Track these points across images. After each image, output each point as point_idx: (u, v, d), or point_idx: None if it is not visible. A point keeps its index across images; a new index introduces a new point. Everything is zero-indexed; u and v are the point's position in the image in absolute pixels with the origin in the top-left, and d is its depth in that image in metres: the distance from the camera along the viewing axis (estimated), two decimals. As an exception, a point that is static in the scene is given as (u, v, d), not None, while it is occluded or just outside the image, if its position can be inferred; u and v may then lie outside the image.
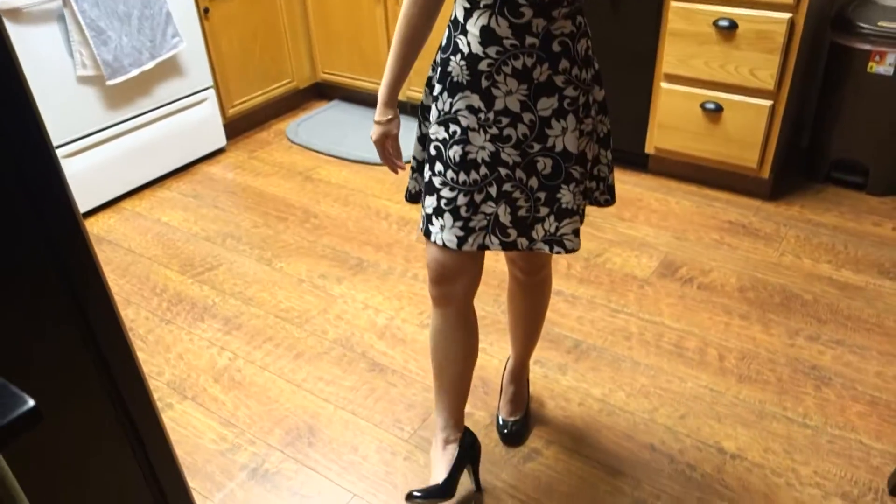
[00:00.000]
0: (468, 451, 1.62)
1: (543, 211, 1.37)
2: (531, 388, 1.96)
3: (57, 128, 2.67)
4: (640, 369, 2.01)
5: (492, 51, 1.26)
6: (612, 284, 2.35)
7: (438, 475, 1.58)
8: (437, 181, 1.37)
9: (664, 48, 2.65)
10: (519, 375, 1.84)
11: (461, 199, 1.36)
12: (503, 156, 1.33)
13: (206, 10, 3.06)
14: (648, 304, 2.25)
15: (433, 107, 1.37)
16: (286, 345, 2.17)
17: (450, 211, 1.37)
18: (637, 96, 2.80)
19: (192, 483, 1.74)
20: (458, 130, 1.33)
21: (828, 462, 1.72)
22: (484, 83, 1.29)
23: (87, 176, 2.82)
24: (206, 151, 3.25)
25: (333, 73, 3.62)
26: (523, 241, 1.40)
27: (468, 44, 1.28)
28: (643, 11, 2.64)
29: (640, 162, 3.00)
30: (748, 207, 2.73)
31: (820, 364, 2.00)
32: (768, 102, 2.53)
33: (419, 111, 1.45)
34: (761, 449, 1.76)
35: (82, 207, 2.84)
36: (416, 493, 1.55)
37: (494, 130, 1.31)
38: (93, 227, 2.81)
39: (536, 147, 1.32)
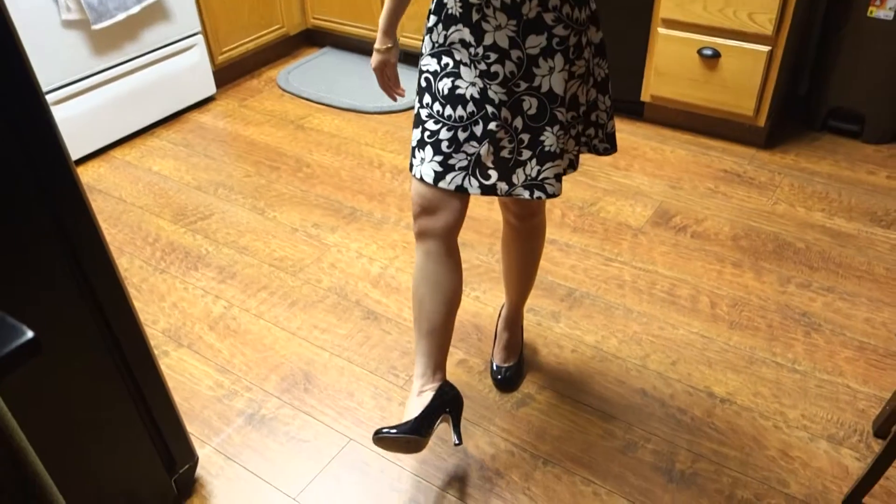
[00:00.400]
0: (446, 401, 1.50)
1: (526, 154, 1.36)
2: (525, 335, 1.97)
3: (42, 74, 2.61)
4: (633, 316, 2.03)
5: None
6: (606, 233, 2.35)
7: (409, 416, 1.48)
8: (423, 113, 1.38)
9: (662, -8, 2.59)
10: (513, 322, 1.85)
11: (444, 134, 1.35)
12: (490, 93, 1.32)
13: (193, -48, 2.97)
14: (642, 253, 2.26)
15: (427, 38, 1.37)
16: (281, 293, 2.17)
17: (431, 144, 1.36)
18: (634, 42, 2.76)
19: (190, 428, 1.77)
20: (451, 63, 1.33)
21: (815, 406, 1.75)
22: (475, 16, 1.28)
23: (74, 124, 2.77)
24: (196, 100, 3.20)
25: (324, 18, 3.54)
26: (503, 186, 1.38)
27: None
28: (641, -46, 2.58)
29: (635, 110, 2.97)
30: (743, 156, 2.72)
31: (810, 311, 2.02)
32: (766, 48, 2.50)
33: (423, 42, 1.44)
34: (750, 393, 1.79)
35: (71, 156, 2.81)
36: (383, 430, 1.42)
37: (483, 66, 1.30)
38: (82, 176, 2.78)
39: (523, 86, 1.31)
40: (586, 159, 2.73)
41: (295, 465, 1.67)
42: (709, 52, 2.58)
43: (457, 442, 1.49)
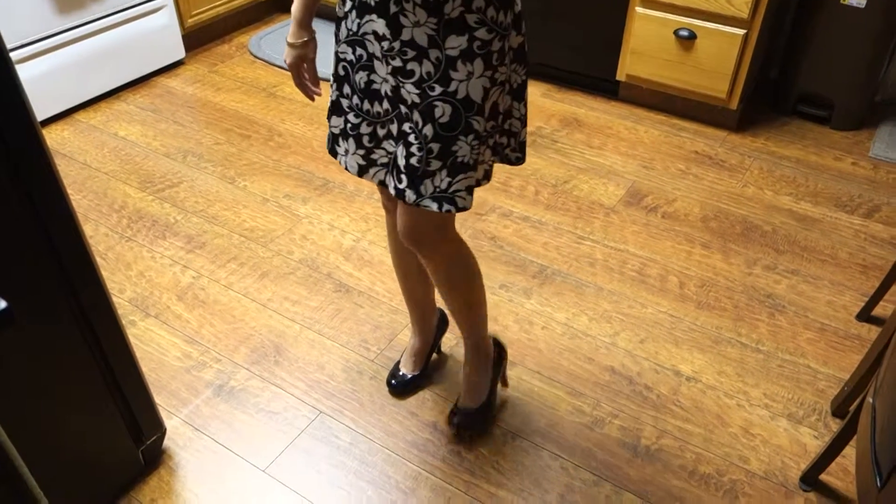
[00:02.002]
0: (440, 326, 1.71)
1: (435, 164, 1.23)
2: (495, 312, 1.98)
3: (3, 31, 2.52)
4: (604, 295, 2.05)
5: None
6: (579, 211, 2.37)
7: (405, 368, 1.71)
8: (344, 103, 1.32)
9: (641, -29, 2.59)
10: (473, 360, 1.65)
11: (364, 128, 1.30)
12: (403, 92, 1.21)
13: None
14: (614, 232, 2.28)
15: (343, 24, 1.26)
16: (251, 264, 2.15)
17: (353, 137, 1.32)
18: (611, 21, 2.75)
19: (158, 399, 1.75)
20: (364, 55, 1.24)
21: (777, 385, 1.80)
22: (392, 8, 1.15)
23: (37, 85, 2.68)
24: (164, 63, 3.11)
25: (298, -16, 3.46)
26: (411, 195, 1.26)
27: None
28: (622, -69, 2.57)
29: (610, 89, 2.97)
30: (715, 138, 2.75)
31: (775, 293, 2.07)
32: (742, 31, 2.51)
33: (336, 24, 1.30)
34: (715, 372, 1.83)
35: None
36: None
37: (398, 63, 1.19)
38: (46, 139, 2.69)
39: (438, 90, 1.18)
40: (560, 138, 2.73)
41: (264, 437, 1.66)
42: (685, 33, 2.59)
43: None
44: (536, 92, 3.04)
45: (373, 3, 1.17)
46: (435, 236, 1.36)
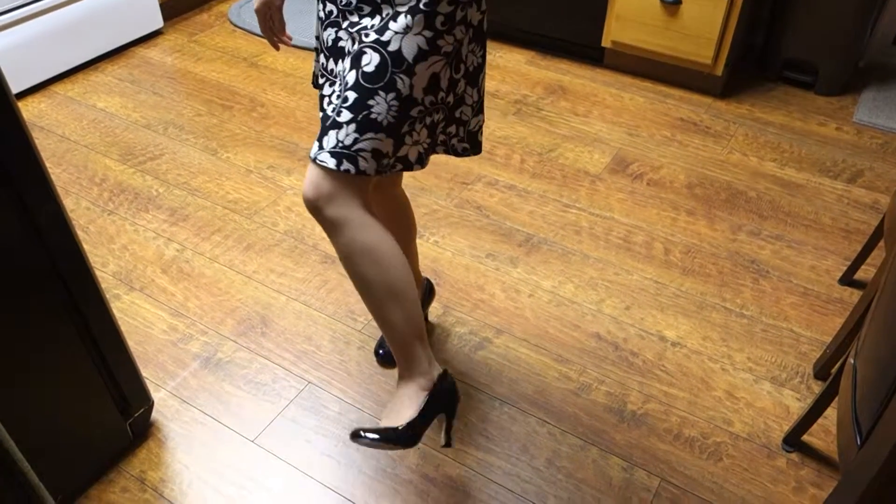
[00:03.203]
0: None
1: (345, 115, 1.13)
2: (482, 280, 1.98)
3: (-26, 1, 2.45)
4: (590, 262, 2.06)
5: None
6: (565, 179, 2.36)
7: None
8: (319, 63, 1.31)
9: (626, -65, 2.55)
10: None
11: (327, 89, 1.28)
12: (342, 32, 1.19)
13: None
14: (599, 200, 2.28)
15: None
16: (235, 236, 2.13)
17: (323, 99, 1.30)
18: (596, -14, 2.72)
19: (145, 372, 1.74)
20: (334, 11, 1.21)
21: (760, 349, 1.82)
22: None
23: (10, 56, 2.62)
24: (142, 33, 3.05)
25: (278, -50, 3.39)
26: (315, 148, 1.16)
27: None
28: None
29: (595, 56, 2.95)
30: (700, 105, 2.74)
31: (759, 258, 2.08)
32: (727, -4, 2.49)
33: None
34: (700, 337, 1.85)
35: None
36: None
37: (355, 17, 1.17)
38: (22, 112, 2.64)
39: (372, 37, 1.13)
40: (545, 105, 2.72)
41: (252, 408, 1.66)
42: (670, -2, 2.57)
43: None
44: (521, 59, 3.01)
45: None
46: (333, 196, 1.15)
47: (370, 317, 1.88)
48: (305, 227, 2.16)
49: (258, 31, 3.15)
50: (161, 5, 3.10)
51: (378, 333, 1.83)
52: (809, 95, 2.81)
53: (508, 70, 2.94)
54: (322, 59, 1.28)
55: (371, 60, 1.12)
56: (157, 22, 3.09)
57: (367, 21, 1.15)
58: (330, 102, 1.19)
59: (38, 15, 2.65)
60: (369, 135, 1.13)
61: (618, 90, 2.81)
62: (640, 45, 2.74)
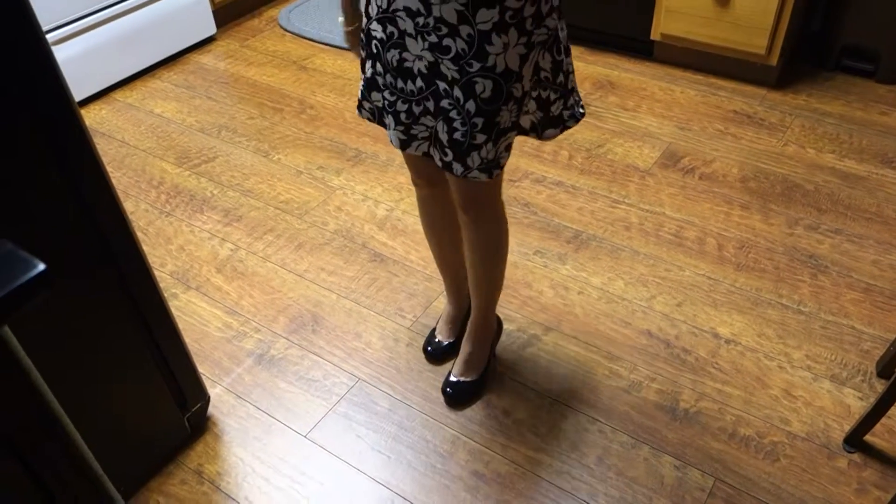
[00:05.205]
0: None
1: (481, 138, 1.24)
2: (530, 277, 1.98)
3: (39, 14, 2.56)
4: (640, 258, 2.03)
5: None
6: (614, 175, 2.33)
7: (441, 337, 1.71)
8: (379, 81, 1.31)
9: (675, -75, 2.50)
10: (477, 332, 1.67)
11: (400, 106, 1.29)
12: (442, 68, 1.20)
13: None
14: (649, 195, 2.25)
15: (372, 0, 1.24)
16: (287, 236, 2.17)
17: (392, 114, 1.32)
18: (644, -22, 2.68)
19: (201, 368, 1.79)
20: (396, 33, 1.22)
21: (819, 346, 1.77)
22: None
23: (73, 65, 2.73)
24: (196, 40, 3.14)
25: (325, -46, 3.44)
26: (458, 167, 1.28)
27: None
28: None
29: (645, 49, 2.90)
30: (754, 96, 2.67)
31: (817, 253, 2.02)
32: (782, -16, 2.42)
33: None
34: (755, 334, 1.80)
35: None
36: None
37: (434, 38, 1.18)
38: (84, 118, 2.75)
39: (476, 66, 1.17)
40: (593, 101, 2.69)
41: (304, 403, 1.70)
42: (722, -13, 2.51)
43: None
44: (569, 55, 2.98)
45: None
46: (487, 199, 1.42)
47: (418, 314, 1.90)
48: (354, 227, 2.19)
49: (307, 34, 3.20)
50: (214, 12, 3.18)
51: (426, 331, 1.85)
52: (870, 84, 2.71)
53: (556, 66, 2.91)
54: (389, 78, 1.28)
55: (485, 87, 1.19)
56: (211, 28, 3.17)
57: (448, 42, 1.17)
58: (451, 129, 1.25)
59: (98, 25, 2.75)
60: (503, 139, 1.27)
61: (668, 83, 2.76)
62: (691, 37, 2.69)
